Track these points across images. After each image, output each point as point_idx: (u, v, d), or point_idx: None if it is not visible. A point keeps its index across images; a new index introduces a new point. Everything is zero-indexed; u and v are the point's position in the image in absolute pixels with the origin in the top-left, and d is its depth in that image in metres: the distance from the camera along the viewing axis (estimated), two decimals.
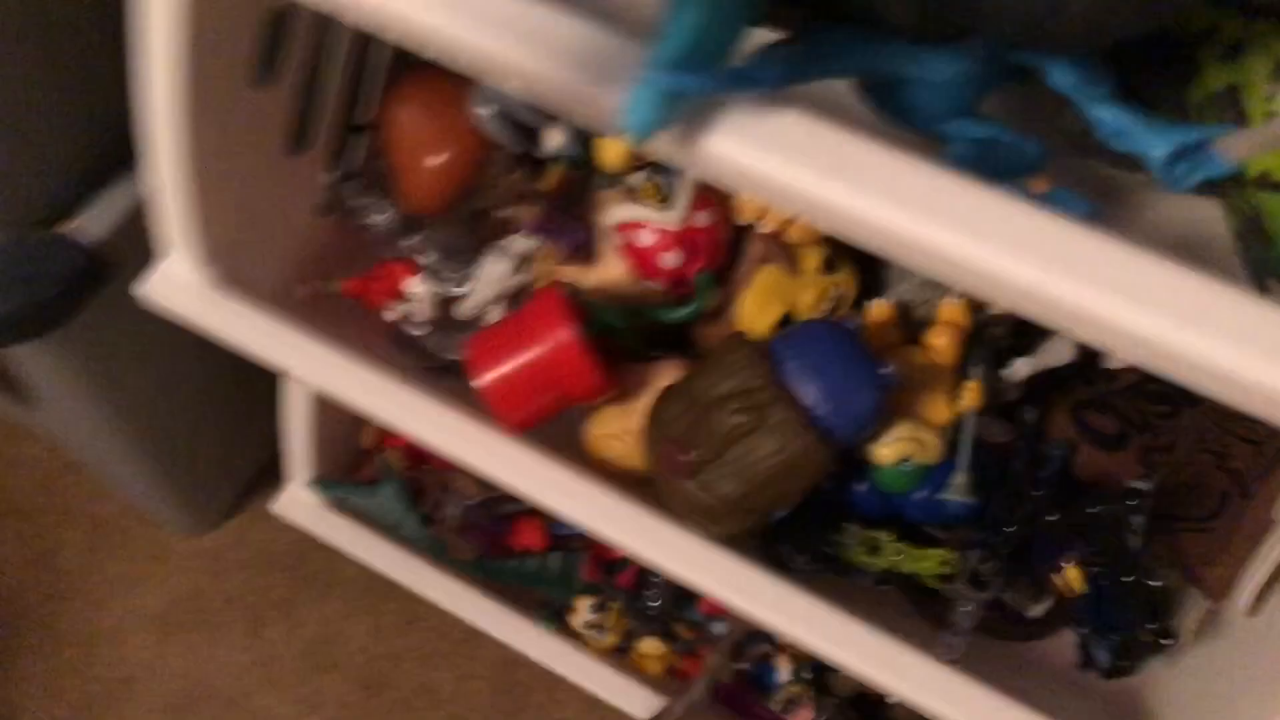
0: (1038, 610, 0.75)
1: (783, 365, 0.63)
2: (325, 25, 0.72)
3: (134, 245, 0.75)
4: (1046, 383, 0.74)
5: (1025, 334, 0.74)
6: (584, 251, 0.74)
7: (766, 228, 0.66)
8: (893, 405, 0.67)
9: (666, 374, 0.72)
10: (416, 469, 1.00)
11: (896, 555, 0.68)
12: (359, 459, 1.07)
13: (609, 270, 0.72)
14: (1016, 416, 0.73)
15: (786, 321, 0.69)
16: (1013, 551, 0.68)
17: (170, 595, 1.14)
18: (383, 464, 0.97)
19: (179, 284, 0.70)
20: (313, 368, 0.70)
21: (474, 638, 1.01)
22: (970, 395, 0.66)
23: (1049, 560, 0.68)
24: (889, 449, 0.66)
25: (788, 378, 0.63)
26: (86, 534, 1.16)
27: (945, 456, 0.67)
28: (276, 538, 1.16)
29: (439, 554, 0.99)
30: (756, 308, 0.69)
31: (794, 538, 0.71)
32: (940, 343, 0.69)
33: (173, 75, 0.60)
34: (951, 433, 0.69)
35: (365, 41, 0.77)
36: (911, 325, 0.74)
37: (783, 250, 0.69)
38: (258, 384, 0.92)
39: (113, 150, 0.77)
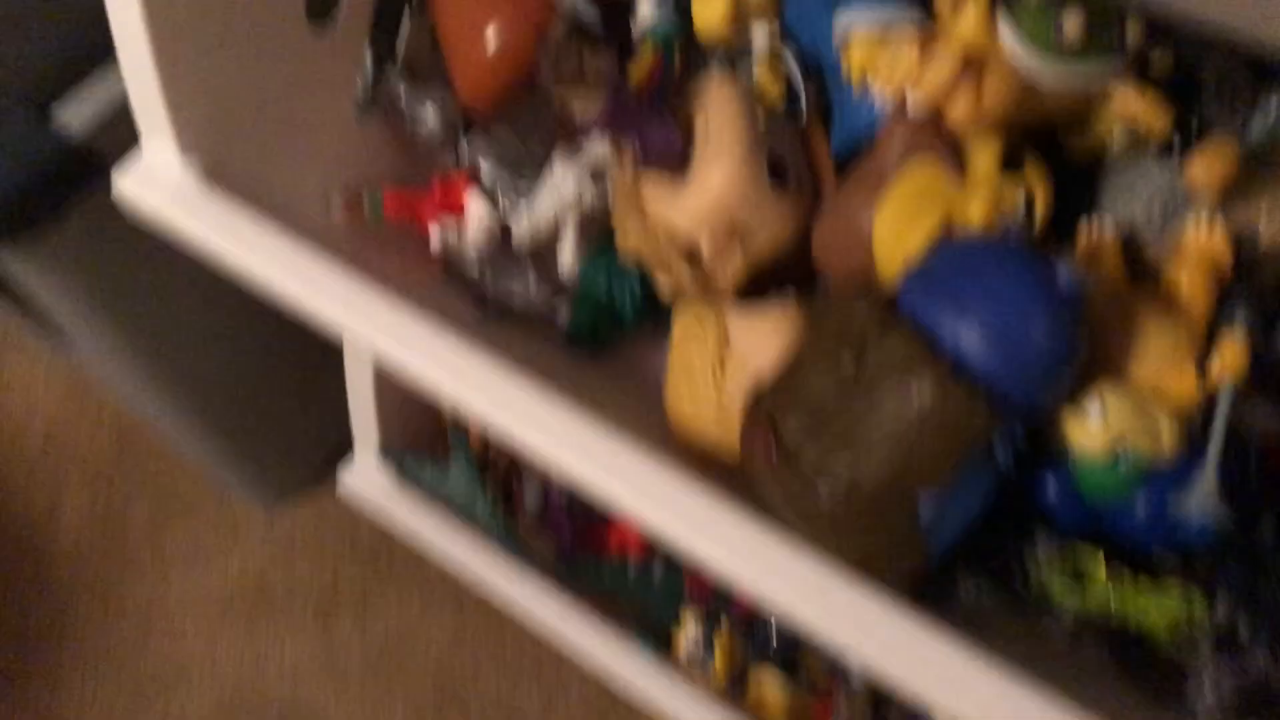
0: None
1: (903, 291, 0.43)
2: None
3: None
4: None
5: None
6: (673, 158, 0.54)
7: (918, 97, 0.45)
8: (1103, 365, 0.45)
9: (774, 322, 0.52)
10: (495, 446, 0.83)
11: (1112, 591, 0.45)
12: (442, 431, 0.91)
13: (708, 184, 0.53)
14: None
15: None
16: None
17: (236, 577, 1.01)
18: (454, 435, 0.81)
19: (156, 176, 0.55)
20: (322, 293, 0.53)
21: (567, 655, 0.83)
22: (1228, 356, 0.43)
23: None
24: (1096, 432, 0.44)
25: (908, 304, 0.42)
26: (155, 498, 1.05)
27: (1185, 452, 0.44)
28: (358, 523, 1.02)
29: (516, 549, 0.81)
30: (900, 220, 0.47)
31: (969, 559, 0.49)
32: (1185, 280, 0.47)
33: None
34: (1199, 418, 0.46)
35: None
36: (1141, 267, 0.51)
37: (943, 137, 0.47)
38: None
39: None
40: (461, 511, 0.84)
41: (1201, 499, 0.41)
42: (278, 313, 0.90)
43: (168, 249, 0.76)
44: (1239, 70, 0.46)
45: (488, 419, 0.50)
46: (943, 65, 0.44)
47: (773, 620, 0.77)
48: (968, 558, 0.48)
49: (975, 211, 0.47)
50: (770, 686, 0.80)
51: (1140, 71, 0.46)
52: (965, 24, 0.45)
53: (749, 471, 0.46)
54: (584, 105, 0.51)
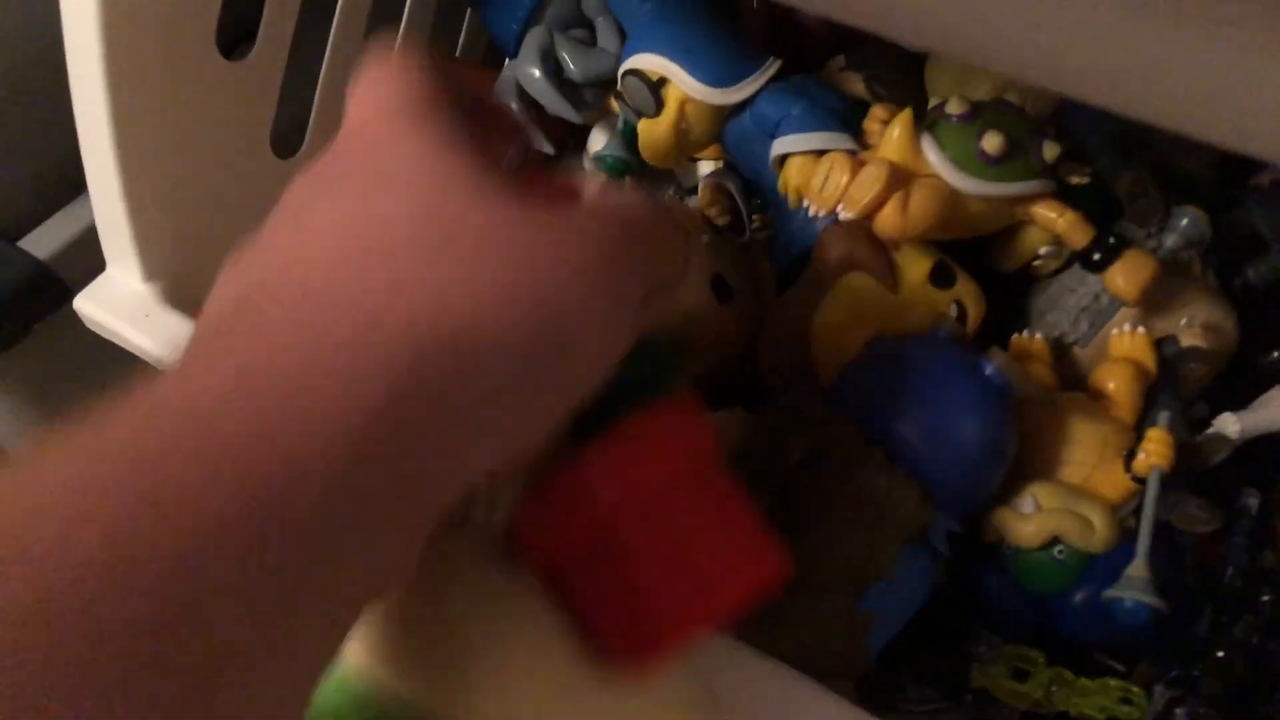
0: None
1: (839, 390, 0.45)
2: None
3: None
4: (1269, 458, 0.52)
5: (1236, 380, 0.53)
6: None
7: (849, 214, 0.48)
8: (1037, 467, 0.47)
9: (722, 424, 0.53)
10: None
11: (1054, 685, 0.45)
12: None
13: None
14: (1235, 504, 0.51)
15: None
16: (1228, 692, 0.44)
17: None
18: None
19: (117, 296, 0.56)
20: None
21: None
22: (1153, 446, 0.45)
23: None
24: (1032, 524, 0.45)
25: (845, 403, 0.44)
26: None
27: (1119, 544, 0.46)
28: None
29: None
30: (837, 330, 0.49)
31: (913, 662, 0.49)
32: (1112, 387, 0.49)
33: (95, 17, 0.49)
34: (1132, 515, 0.48)
35: None
36: (1071, 376, 0.53)
37: (875, 250, 0.50)
38: None
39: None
40: None
41: (1134, 586, 0.42)
42: None
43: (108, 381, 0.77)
44: (1152, 187, 0.50)
45: None
46: (870, 184, 0.46)
47: None
48: (915, 663, 0.49)
49: (908, 322, 0.50)
50: None
51: (1061, 189, 0.49)
52: (891, 144, 0.48)
53: None
54: None
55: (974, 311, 0.51)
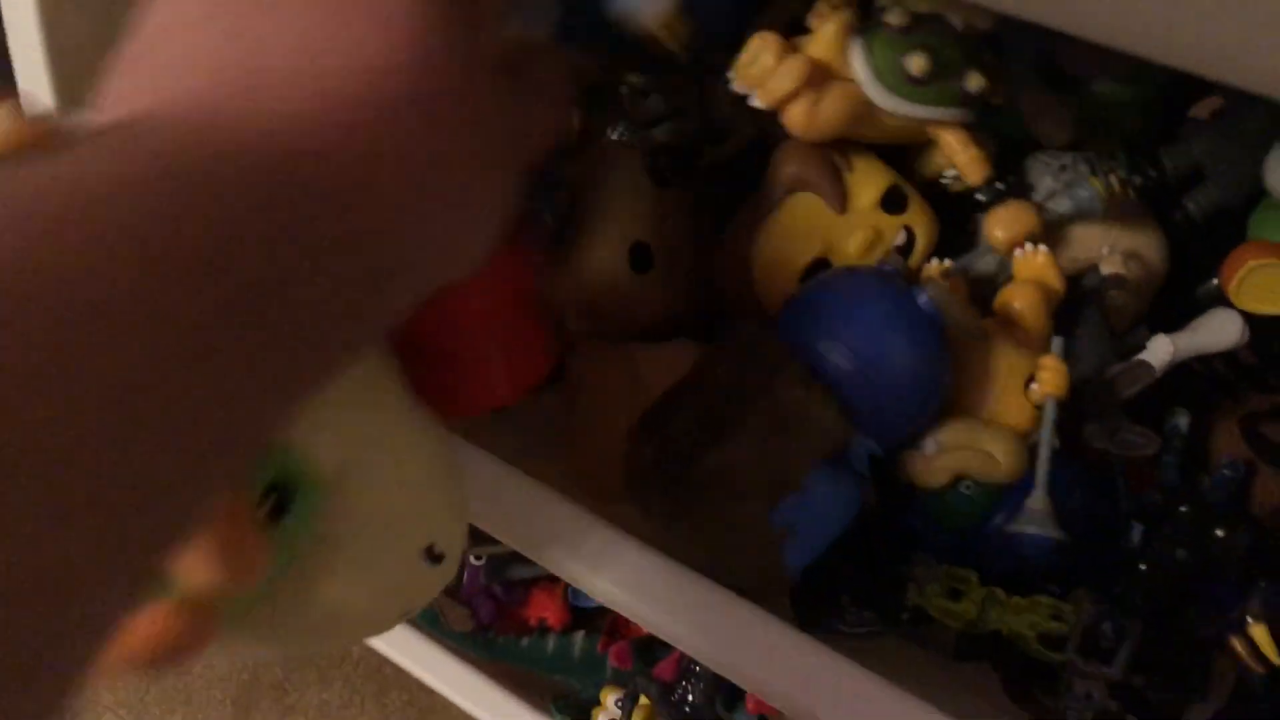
0: (1200, 711, 0.51)
1: (782, 321, 0.46)
2: None
3: None
4: (1200, 380, 0.53)
5: (1177, 312, 0.53)
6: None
7: (762, 103, 0.47)
8: (955, 401, 0.47)
9: (677, 353, 0.53)
10: None
11: (987, 604, 0.46)
12: None
13: (570, 269, 0.53)
14: (1164, 425, 0.52)
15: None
16: (1158, 610, 0.45)
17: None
18: None
19: None
20: None
21: None
22: (1048, 376, 0.46)
23: (1220, 615, 0.44)
24: (935, 464, 0.46)
25: (787, 333, 0.45)
26: None
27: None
28: None
29: (431, 623, 0.81)
30: (779, 253, 0.50)
31: (849, 583, 0.50)
32: (1018, 306, 0.48)
33: None
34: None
35: None
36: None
37: (825, 171, 0.50)
38: None
39: None
40: None
41: (1034, 519, 0.43)
42: None
43: None
44: (1059, 105, 0.50)
45: None
46: (787, 76, 0.46)
47: (689, 687, 0.77)
48: (851, 584, 0.49)
49: (853, 245, 0.50)
50: None
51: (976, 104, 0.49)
52: (820, 41, 0.47)
53: (628, 481, 0.47)
54: None
55: (923, 238, 0.51)
